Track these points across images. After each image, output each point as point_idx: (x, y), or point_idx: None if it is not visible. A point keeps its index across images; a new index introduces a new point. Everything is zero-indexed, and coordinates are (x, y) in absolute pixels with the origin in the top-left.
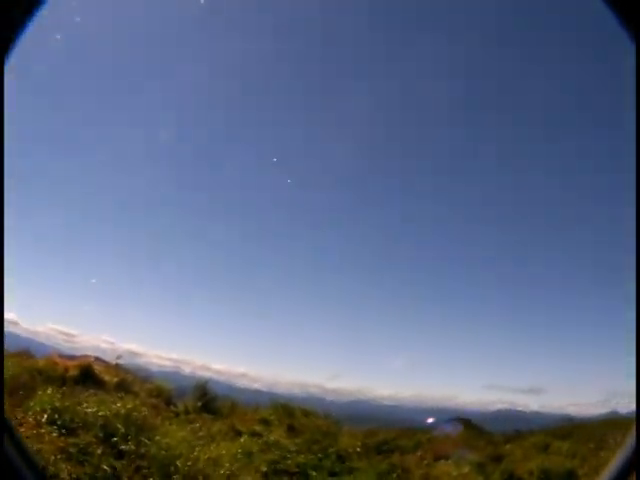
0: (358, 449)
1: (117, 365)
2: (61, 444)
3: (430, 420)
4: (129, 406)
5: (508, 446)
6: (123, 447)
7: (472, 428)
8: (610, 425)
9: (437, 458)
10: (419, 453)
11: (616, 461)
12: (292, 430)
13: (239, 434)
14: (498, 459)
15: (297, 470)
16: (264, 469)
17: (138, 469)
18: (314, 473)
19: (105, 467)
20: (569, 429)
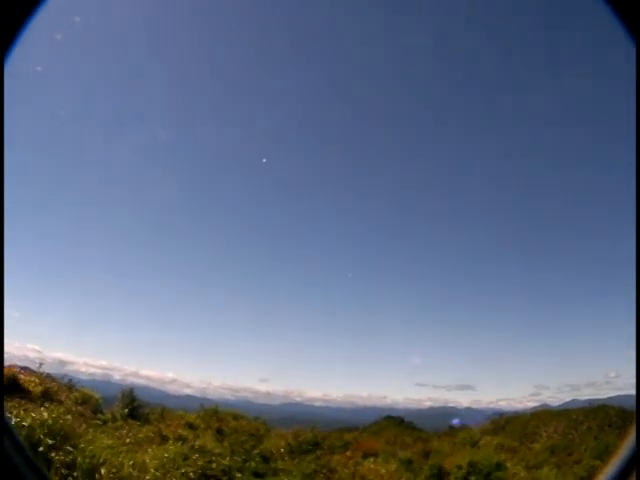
0: (282, 450)
1: (42, 374)
2: None
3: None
4: (54, 415)
5: (437, 442)
6: (48, 456)
7: (403, 425)
8: (541, 418)
9: (366, 456)
10: (348, 452)
11: (616, 461)
12: (220, 434)
13: (166, 439)
14: (427, 455)
15: (223, 473)
16: (190, 474)
17: (64, 478)
18: (239, 475)
19: None
20: (501, 423)
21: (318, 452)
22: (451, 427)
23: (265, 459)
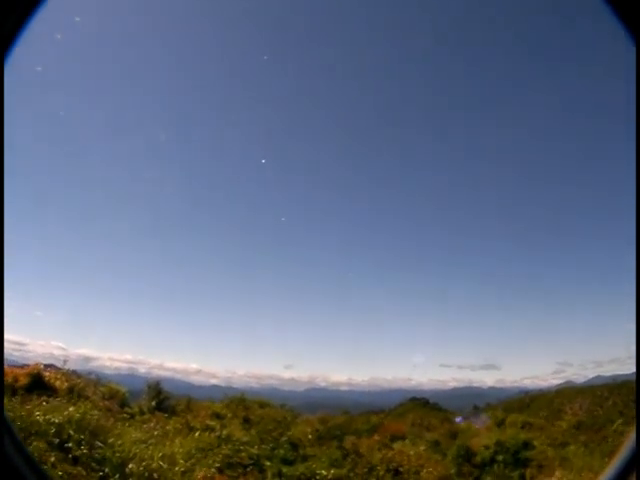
0: (310, 436)
1: (67, 371)
2: None
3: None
4: (81, 411)
5: (463, 422)
6: (77, 452)
7: (429, 407)
8: (566, 395)
9: (393, 439)
10: (376, 436)
11: (616, 461)
12: (247, 422)
13: (193, 430)
14: (454, 436)
15: (251, 461)
16: (218, 463)
17: (94, 473)
18: (268, 463)
19: (60, 474)
20: (526, 401)
21: (345, 437)
22: (475, 407)
23: (293, 446)
